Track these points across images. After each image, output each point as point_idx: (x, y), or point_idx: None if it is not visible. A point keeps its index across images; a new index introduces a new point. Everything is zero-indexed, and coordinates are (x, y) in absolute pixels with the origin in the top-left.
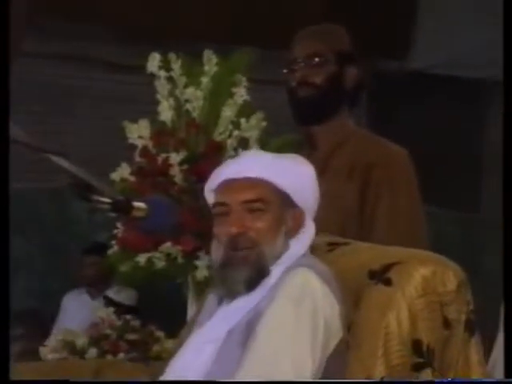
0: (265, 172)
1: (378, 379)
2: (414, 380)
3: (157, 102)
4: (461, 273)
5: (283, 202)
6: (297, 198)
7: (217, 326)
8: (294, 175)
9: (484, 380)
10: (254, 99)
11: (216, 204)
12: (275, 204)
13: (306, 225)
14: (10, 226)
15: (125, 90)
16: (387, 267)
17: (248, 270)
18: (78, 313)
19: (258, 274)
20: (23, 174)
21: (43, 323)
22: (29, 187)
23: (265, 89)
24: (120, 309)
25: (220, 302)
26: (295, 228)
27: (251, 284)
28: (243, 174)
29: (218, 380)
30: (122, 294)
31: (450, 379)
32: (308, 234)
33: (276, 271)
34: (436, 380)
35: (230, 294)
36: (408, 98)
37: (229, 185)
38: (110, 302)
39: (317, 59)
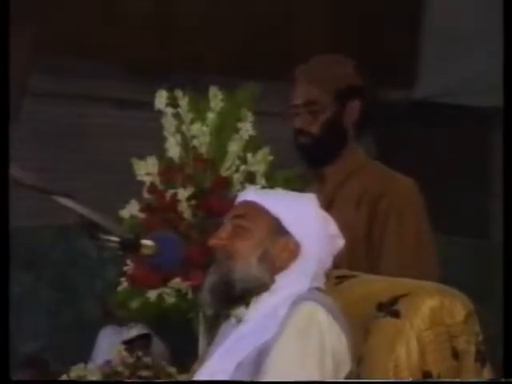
0: (261, 197)
1: None
2: (418, 380)
3: (164, 139)
4: (469, 304)
5: (273, 227)
6: (292, 228)
7: (226, 358)
8: (291, 204)
9: (484, 380)
10: (261, 132)
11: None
12: (261, 226)
13: (302, 258)
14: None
15: (131, 125)
16: (395, 299)
17: (214, 277)
18: (108, 350)
19: (222, 284)
20: (31, 212)
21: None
22: (37, 225)
23: (272, 121)
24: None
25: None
26: (283, 257)
27: (213, 291)
28: (243, 197)
29: None
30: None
31: (451, 380)
32: (306, 269)
33: (267, 301)
34: (438, 380)
35: (207, 308)
36: (414, 126)
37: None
38: (142, 337)
39: (314, 107)
